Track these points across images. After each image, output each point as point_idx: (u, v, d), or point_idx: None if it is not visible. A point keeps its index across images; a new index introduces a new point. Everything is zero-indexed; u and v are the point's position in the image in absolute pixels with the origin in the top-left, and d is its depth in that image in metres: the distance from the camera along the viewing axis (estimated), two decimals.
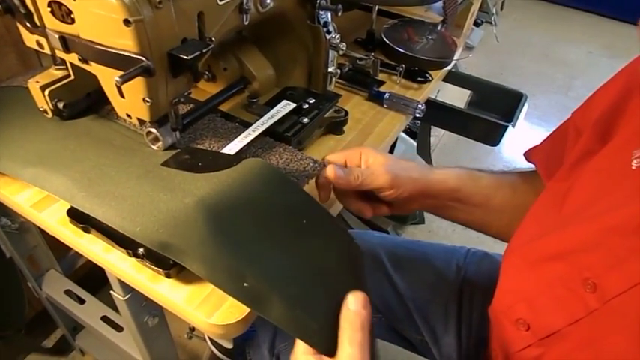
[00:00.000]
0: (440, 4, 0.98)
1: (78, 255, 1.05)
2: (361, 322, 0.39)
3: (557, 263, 0.47)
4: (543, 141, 0.61)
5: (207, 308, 0.45)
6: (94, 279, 0.94)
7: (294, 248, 0.45)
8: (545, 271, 0.49)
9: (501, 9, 2.99)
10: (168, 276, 0.46)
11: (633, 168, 0.42)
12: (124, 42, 0.41)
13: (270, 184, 0.48)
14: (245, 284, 0.40)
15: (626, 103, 0.46)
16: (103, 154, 0.52)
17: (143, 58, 0.41)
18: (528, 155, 0.62)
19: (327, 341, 0.39)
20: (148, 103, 0.45)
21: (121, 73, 0.41)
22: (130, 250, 0.46)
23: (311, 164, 0.58)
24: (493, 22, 2.21)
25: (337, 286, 0.44)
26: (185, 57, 0.42)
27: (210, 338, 1.03)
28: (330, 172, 0.51)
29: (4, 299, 0.90)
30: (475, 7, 1.15)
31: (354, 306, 0.41)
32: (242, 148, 0.55)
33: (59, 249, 0.89)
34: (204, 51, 0.43)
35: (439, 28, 1.02)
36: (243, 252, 0.42)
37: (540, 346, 0.48)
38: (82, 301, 0.88)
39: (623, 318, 0.40)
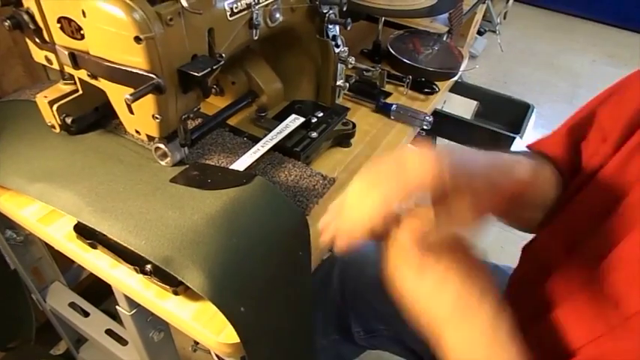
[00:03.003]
0: (445, 14, 0.98)
1: (82, 267, 1.05)
2: None
3: (580, 278, 0.46)
4: (557, 133, 0.57)
5: (215, 326, 0.44)
6: (98, 290, 0.94)
7: (288, 278, 0.46)
8: (568, 285, 0.48)
9: (504, 18, 2.99)
10: (175, 293, 0.46)
11: None
12: (135, 59, 0.40)
13: (277, 212, 0.48)
14: (242, 309, 0.40)
15: None
16: (110, 170, 0.52)
17: (153, 76, 0.40)
18: (532, 146, 0.58)
19: None
20: (158, 120, 0.45)
21: (131, 89, 0.40)
22: (137, 267, 0.46)
23: (321, 181, 0.57)
24: (497, 32, 2.22)
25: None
26: (196, 74, 0.42)
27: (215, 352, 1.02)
28: None
29: (10, 311, 0.89)
30: (479, 17, 1.15)
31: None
32: (251, 164, 0.54)
33: (64, 261, 0.89)
34: (214, 67, 0.43)
35: (444, 38, 1.02)
36: (246, 274, 0.42)
37: None
38: (86, 314, 0.88)
39: None
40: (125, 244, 0.44)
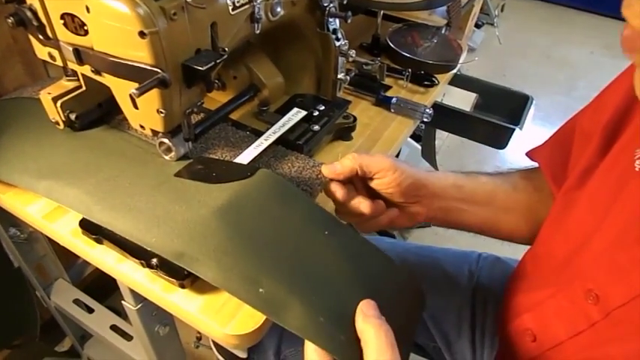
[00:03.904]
0: (443, 7, 0.98)
1: (86, 263, 1.05)
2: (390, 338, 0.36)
3: (562, 274, 0.47)
4: (546, 142, 0.61)
5: (221, 318, 0.45)
6: (102, 287, 0.94)
7: (314, 257, 0.44)
8: (551, 281, 0.49)
9: (502, 10, 2.99)
10: (182, 286, 0.46)
11: (637, 169, 0.41)
12: (139, 54, 0.41)
13: (285, 197, 0.48)
14: (261, 290, 0.40)
15: (635, 105, 0.46)
16: (115, 165, 0.52)
17: (158, 70, 0.41)
18: (531, 155, 0.62)
19: (353, 355, 0.38)
20: (162, 114, 0.45)
21: (136, 84, 0.41)
22: (143, 261, 0.46)
23: None
24: (495, 24, 2.22)
25: (349, 279, 0.43)
26: (200, 68, 0.42)
27: (216, 347, 1.03)
28: (324, 169, 0.51)
29: (14, 308, 0.89)
30: (476, 9, 1.15)
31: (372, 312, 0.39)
32: (255, 157, 0.55)
33: (67, 258, 0.89)
34: (218, 61, 0.43)
35: (443, 31, 1.02)
36: (259, 258, 0.42)
37: (546, 359, 0.48)
38: (90, 311, 0.88)
39: (624, 330, 0.40)
40: (137, 242, 0.45)
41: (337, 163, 0.51)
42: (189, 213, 0.45)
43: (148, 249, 0.44)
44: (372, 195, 0.54)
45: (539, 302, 0.50)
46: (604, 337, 0.42)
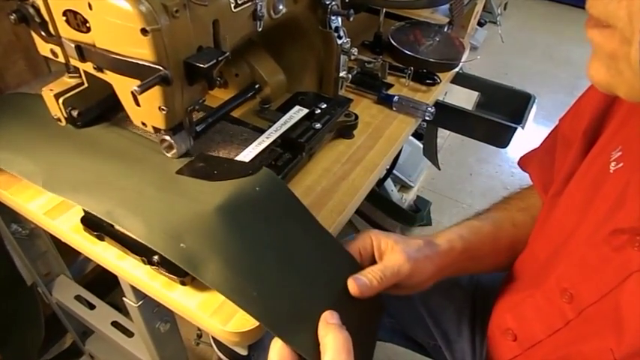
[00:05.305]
0: (446, 5, 0.98)
1: (87, 260, 1.05)
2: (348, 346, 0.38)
3: (542, 274, 0.48)
4: (535, 150, 0.61)
5: (222, 315, 0.45)
6: (103, 283, 0.94)
7: (256, 231, 0.45)
8: (532, 282, 0.49)
9: (505, 9, 2.98)
10: (182, 283, 0.46)
11: (611, 171, 0.42)
12: (141, 51, 0.41)
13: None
14: (182, 245, 0.41)
15: (611, 108, 0.46)
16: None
17: (160, 67, 0.41)
18: (524, 164, 0.63)
19: (269, 314, 0.40)
20: (164, 112, 0.45)
21: (138, 81, 0.41)
22: (144, 258, 0.46)
23: None
24: (498, 23, 2.21)
25: (305, 273, 0.45)
26: (202, 65, 0.42)
27: (216, 345, 1.03)
28: (353, 288, 0.45)
29: (22, 330, 0.89)
30: (479, 8, 1.15)
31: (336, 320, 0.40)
32: (256, 155, 0.55)
33: (69, 254, 0.89)
34: (220, 59, 0.43)
35: (446, 29, 1.02)
36: (186, 219, 0.43)
37: (526, 358, 0.49)
38: (91, 307, 0.88)
39: (596, 328, 0.40)
40: (69, 200, 0.48)
41: (368, 278, 0.46)
42: (131, 182, 0.48)
43: (86, 209, 0.47)
44: None
45: (520, 302, 0.51)
46: (578, 335, 0.42)
